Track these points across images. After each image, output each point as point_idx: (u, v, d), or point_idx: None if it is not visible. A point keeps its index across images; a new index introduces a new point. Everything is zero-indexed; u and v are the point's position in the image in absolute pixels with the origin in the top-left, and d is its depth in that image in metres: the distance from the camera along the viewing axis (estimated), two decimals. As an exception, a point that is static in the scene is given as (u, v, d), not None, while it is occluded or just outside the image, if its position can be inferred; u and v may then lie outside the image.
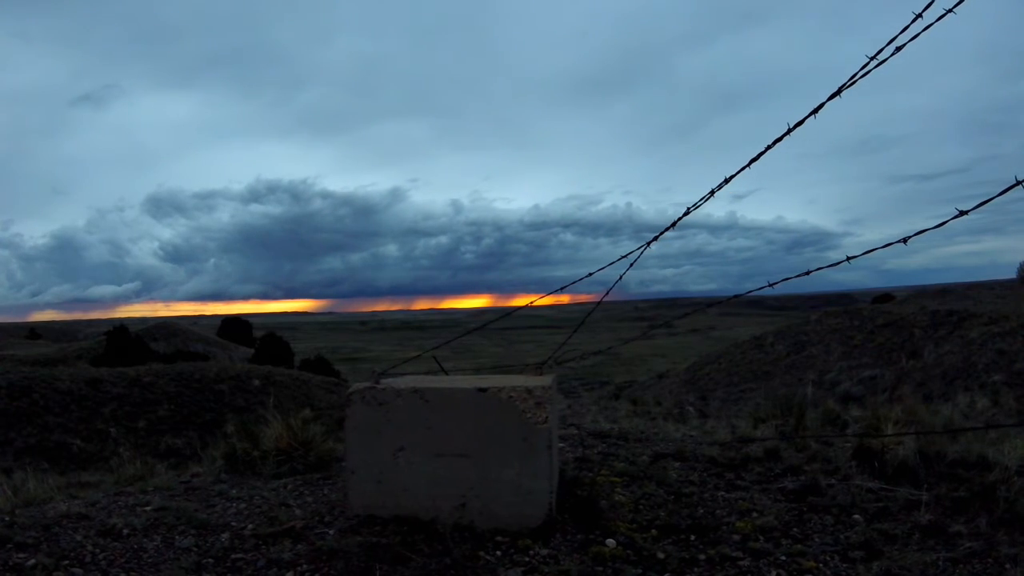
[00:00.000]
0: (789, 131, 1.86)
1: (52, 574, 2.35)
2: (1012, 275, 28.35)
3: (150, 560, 2.50)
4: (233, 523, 2.90)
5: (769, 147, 1.91)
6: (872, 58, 1.70)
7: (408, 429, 2.84)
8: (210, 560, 2.49)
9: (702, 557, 2.48)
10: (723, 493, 3.31)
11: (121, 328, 38.49)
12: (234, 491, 3.46)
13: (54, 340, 62.36)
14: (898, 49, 1.66)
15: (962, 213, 1.52)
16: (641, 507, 3.06)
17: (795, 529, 2.77)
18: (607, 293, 2.82)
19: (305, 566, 2.40)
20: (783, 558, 2.45)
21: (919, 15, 1.62)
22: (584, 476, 3.54)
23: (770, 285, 2.13)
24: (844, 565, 2.40)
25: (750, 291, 2.32)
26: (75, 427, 17.33)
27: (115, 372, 20.28)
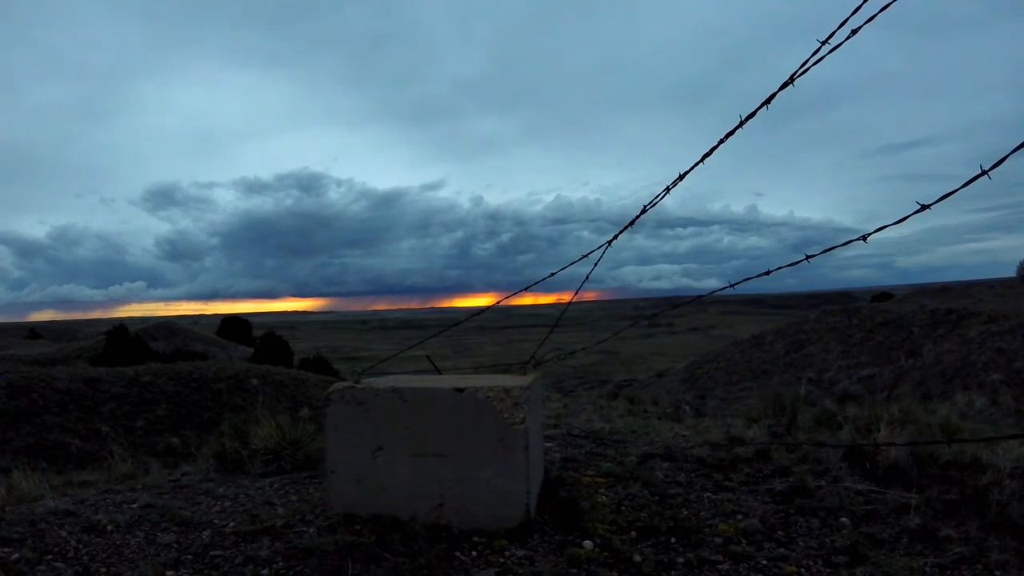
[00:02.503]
0: (741, 124, 1.80)
1: (35, 568, 2.41)
2: (1012, 273, 28.26)
3: (131, 555, 2.55)
4: (216, 521, 2.93)
5: (722, 141, 1.86)
6: (824, 42, 1.62)
7: (387, 429, 2.84)
8: (189, 556, 2.52)
9: (680, 560, 2.41)
10: (709, 494, 3.24)
11: (120, 328, 38.49)
12: (221, 489, 3.49)
13: (54, 340, 62.43)
14: (854, 32, 1.57)
15: (924, 207, 1.46)
16: (624, 508, 3.00)
17: (780, 532, 2.69)
18: (576, 293, 2.77)
19: (281, 563, 2.42)
20: (764, 562, 2.38)
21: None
22: (568, 476, 3.48)
23: (731, 285, 2.10)
24: (827, 570, 2.32)
25: (713, 291, 2.28)
26: (74, 426, 17.31)
27: (114, 372, 20.25)
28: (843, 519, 2.82)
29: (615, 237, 2.47)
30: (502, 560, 2.44)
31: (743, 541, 2.57)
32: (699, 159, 1.92)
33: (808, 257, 1.84)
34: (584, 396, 24.85)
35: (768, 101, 1.73)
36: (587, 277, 2.61)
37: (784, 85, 1.69)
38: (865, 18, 1.53)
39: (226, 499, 3.28)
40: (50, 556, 2.52)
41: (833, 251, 1.86)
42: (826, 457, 3.94)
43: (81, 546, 2.62)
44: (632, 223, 2.36)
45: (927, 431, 6.19)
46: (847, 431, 4.53)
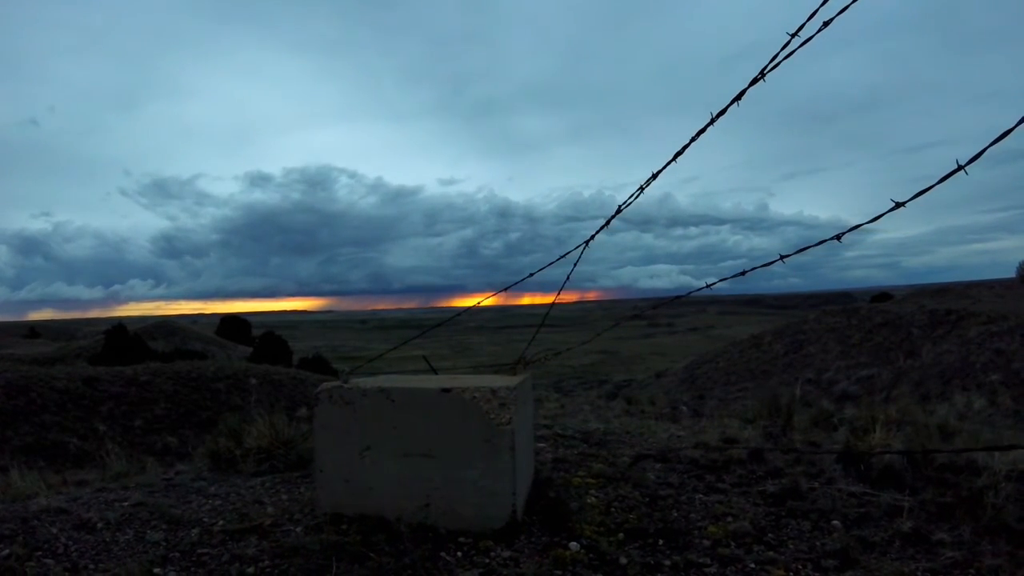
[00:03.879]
0: (712, 121, 1.77)
1: (25, 564, 2.42)
2: (1011, 274, 28.20)
3: (119, 552, 2.57)
4: (205, 519, 2.95)
5: (693, 139, 1.83)
6: (794, 35, 1.57)
7: (374, 429, 2.83)
8: (176, 554, 2.54)
9: (667, 563, 2.37)
10: (701, 496, 3.21)
11: (119, 327, 38.48)
12: (213, 488, 3.51)
13: (53, 339, 62.45)
14: (826, 24, 1.53)
15: (898, 205, 1.43)
16: (613, 510, 2.96)
17: (770, 535, 2.65)
18: (558, 294, 2.74)
19: (267, 562, 2.42)
20: (752, 565, 2.34)
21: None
22: (558, 477, 3.45)
23: (708, 286, 2.08)
24: (816, 574, 2.28)
25: (689, 292, 2.26)
26: (72, 426, 17.29)
27: (112, 371, 20.21)
28: (835, 522, 2.78)
29: (591, 237, 2.45)
30: (487, 561, 2.42)
31: (732, 544, 2.53)
32: (671, 158, 1.89)
33: (782, 257, 1.83)
34: (582, 396, 24.81)
35: (739, 97, 1.69)
36: (567, 278, 2.59)
37: (754, 81, 1.65)
38: (838, 9, 1.49)
39: (217, 498, 3.30)
40: (40, 553, 2.54)
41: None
42: (820, 459, 3.90)
43: (71, 543, 2.64)
44: (607, 224, 2.33)
45: (924, 432, 6.15)
46: (842, 432, 4.50)
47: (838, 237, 1.63)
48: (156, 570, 2.39)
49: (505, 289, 2.84)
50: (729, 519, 2.83)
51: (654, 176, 2.00)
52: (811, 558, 2.39)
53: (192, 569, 2.41)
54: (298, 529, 2.75)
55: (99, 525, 2.85)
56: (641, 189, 2.10)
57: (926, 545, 2.50)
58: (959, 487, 3.18)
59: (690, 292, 2.27)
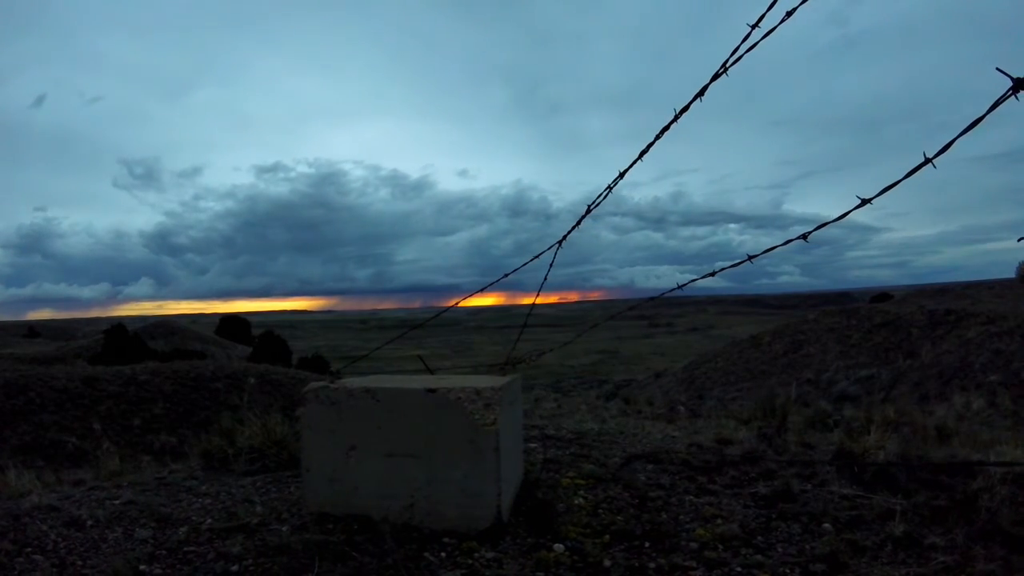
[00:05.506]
0: (676, 118, 1.74)
1: (14, 560, 2.47)
2: (1011, 274, 28.11)
3: (108, 549, 2.59)
4: (194, 518, 2.96)
5: (658, 136, 1.80)
6: (754, 26, 1.53)
7: (360, 428, 2.82)
8: (163, 552, 2.56)
9: (652, 566, 2.33)
10: (692, 497, 3.16)
11: (119, 326, 38.51)
12: (204, 487, 3.52)
13: (53, 339, 62.46)
14: (789, 14, 1.48)
15: (864, 202, 1.39)
16: (601, 511, 2.92)
17: (759, 538, 2.61)
18: (537, 295, 2.73)
19: (251, 560, 2.43)
20: (739, 569, 2.29)
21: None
22: (548, 478, 3.42)
23: (680, 287, 2.07)
24: (804, 579, 2.24)
25: (662, 293, 2.24)
26: (71, 425, 17.28)
27: (111, 370, 20.19)
28: (826, 525, 2.73)
29: (563, 238, 2.42)
30: (470, 562, 2.40)
31: (719, 547, 2.48)
32: (637, 156, 1.86)
33: (750, 257, 1.82)
34: (581, 396, 24.79)
35: (701, 93, 1.66)
36: (545, 278, 2.58)
37: (716, 75, 1.61)
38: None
39: (207, 497, 3.31)
40: (29, 549, 2.57)
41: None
42: (814, 460, 3.86)
43: (60, 540, 2.67)
44: (578, 224, 2.31)
45: (922, 433, 6.11)
46: (837, 434, 4.46)
47: (804, 236, 1.60)
48: (143, 567, 2.41)
49: (482, 290, 2.82)
50: (718, 521, 2.78)
51: (621, 175, 1.98)
52: (799, 562, 2.35)
53: (178, 566, 2.42)
54: (284, 528, 2.75)
55: (89, 523, 2.87)
56: (609, 189, 2.08)
57: (918, 549, 2.45)
58: (954, 490, 3.13)
59: (663, 293, 2.24)
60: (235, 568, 2.38)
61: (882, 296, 37.02)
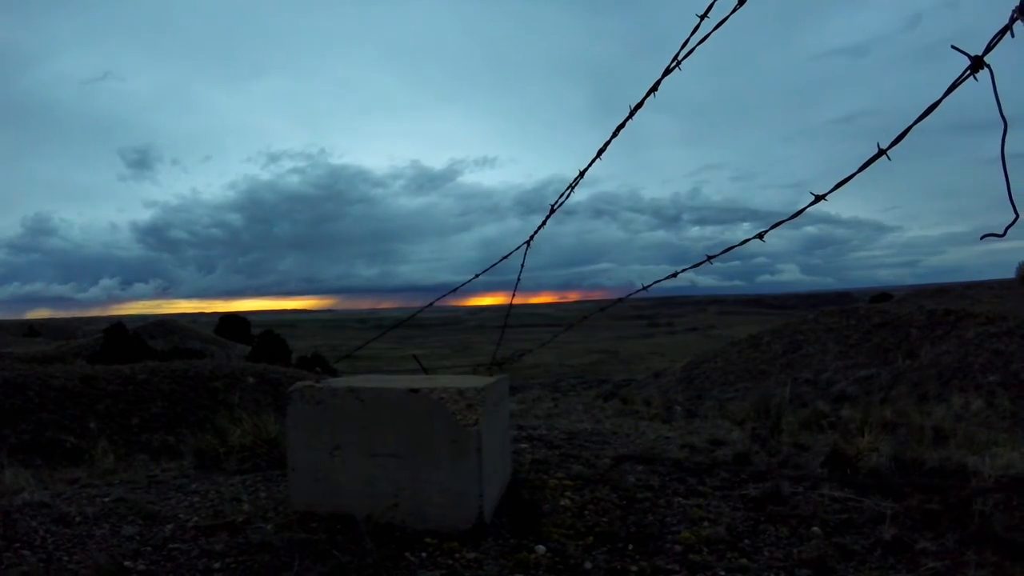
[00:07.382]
0: (631, 114, 1.71)
1: (3, 554, 2.52)
2: (1011, 274, 28.03)
3: (94, 546, 2.62)
4: (181, 515, 2.98)
5: (615, 134, 1.77)
6: (703, 16, 1.48)
7: (344, 428, 2.82)
8: (148, 548, 2.58)
9: (633, 568, 2.28)
10: (680, 499, 3.12)
11: (118, 326, 38.44)
12: (194, 485, 3.55)
13: (52, 338, 62.47)
14: (741, 2, 1.42)
15: (818, 198, 1.35)
16: (586, 513, 2.88)
17: (746, 541, 2.56)
18: (513, 295, 2.70)
19: (233, 558, 2.45)
20: (722, 573, 2.24)
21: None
22: (534, 479, 3.38)
23: (644, 288, 2.05)
24: (789, 584, 2.19)
25: (629, 295, 2.22)
26: (69, 424, 17.23)
27: (110, 370, 20.14)
28: (815, 528, 2.68)
29: (530, 238, 2.40)
30: (450, 562, 2.38)
31: (704, 550, 2.43)
32: (595, 154, 1.84)
33: (709, 258, 1.82)
34: (579, 396, 24.74)
35: (654, 88, 1.62)
36: (518, 279, 2.56)
37: (668, 70, 1.57)
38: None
39: (196, 495, 3.33)
40: (18, 544, 2.62)
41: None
42: (806, 462, 3.82)
43: (48, 536, 2.72)
44: (544, 223, 2.29)
45: (918, 434, 6.06)
46: (830, 435, 4.41)
47: (760, 236, 1.57)
48: (127, 563, 2.43)
49: (454, 291, 2.81)
50: (706, 524, 2.73)
51: (581, 174, 1.96)
52: (785, 566, 2.30)
53: (162, 563, 2.45)
54: (269, 527, 2.76)
55: (77, 519, 2.91)
56: (571, 187, 2.05)
57: (908, 554, 2.40)
58: (947, 493, 3.08)
59: (629, 295, 2.22)
60: (217, 565, 2.40)
61: (881, 296, 36.94)
